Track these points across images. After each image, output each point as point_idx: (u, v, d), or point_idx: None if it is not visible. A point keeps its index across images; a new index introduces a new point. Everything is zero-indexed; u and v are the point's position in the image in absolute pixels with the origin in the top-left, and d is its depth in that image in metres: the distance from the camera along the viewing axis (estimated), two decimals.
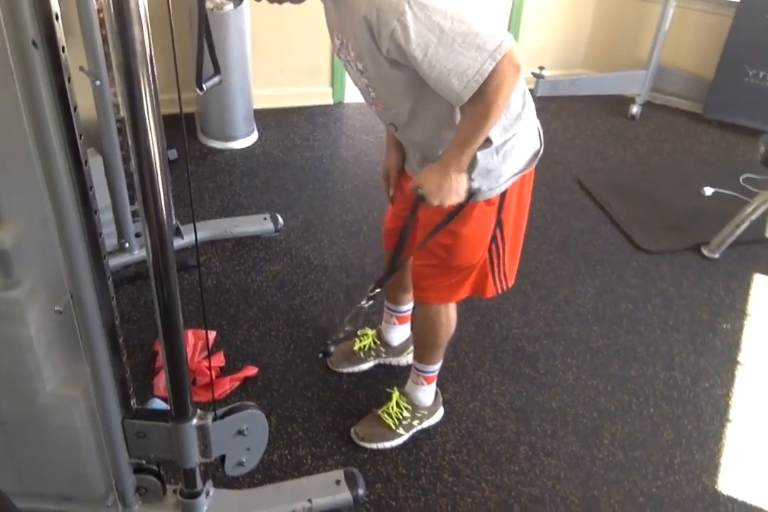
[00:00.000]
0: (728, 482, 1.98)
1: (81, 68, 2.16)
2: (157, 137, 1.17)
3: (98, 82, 2.17)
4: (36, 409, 1.49)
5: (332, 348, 1.67)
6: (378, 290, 1.63)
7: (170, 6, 1.13)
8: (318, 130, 3.76)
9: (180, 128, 1.32)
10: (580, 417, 2.15)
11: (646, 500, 1.91)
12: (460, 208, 1.58)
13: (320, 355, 1.62)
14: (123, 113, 1.16)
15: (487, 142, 1.50)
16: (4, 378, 1.44)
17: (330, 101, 4.07)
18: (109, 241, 2.52)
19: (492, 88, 1.32)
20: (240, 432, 1.54)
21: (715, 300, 2.68)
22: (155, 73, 1.39)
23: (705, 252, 2.92)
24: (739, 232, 2.83)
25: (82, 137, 1.16)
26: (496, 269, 1.75)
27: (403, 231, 1.65)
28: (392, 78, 1.42)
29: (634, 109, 4.08)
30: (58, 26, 1.05)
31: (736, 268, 2.87)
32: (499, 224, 1.66)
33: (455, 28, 1.26)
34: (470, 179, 1.55)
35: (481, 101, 1.34)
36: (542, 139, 1.64)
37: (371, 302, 1.62)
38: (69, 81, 1.10)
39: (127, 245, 2.59)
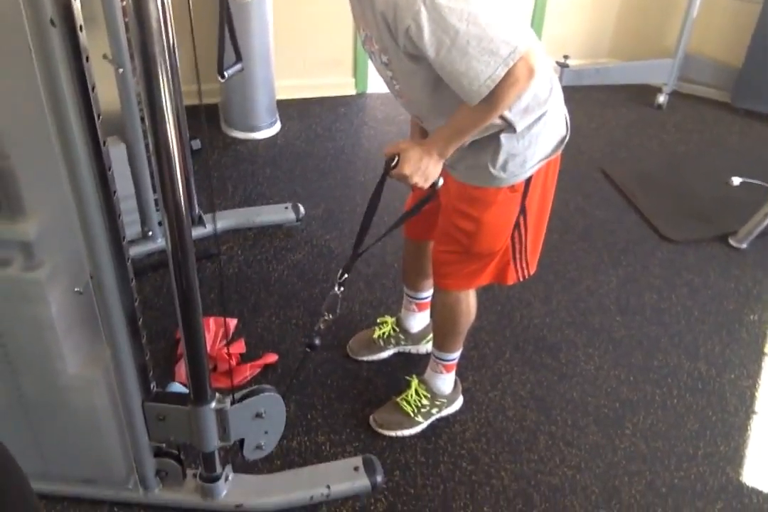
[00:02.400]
0: (753, 474, 1.94)
1: (104, 56, 2.18)
2: (174, 123, 1.17)
3: (121, 70, 2.19)
4: (58, 390, 1.50)
5: (317, 341, 1.58)
6: (346, 276, 1.59)
7: None
8: (340, 121, 3.75)
9: (205, 119, 1.32)
10: (601, 407, 2.12)
11: (669, 491, 1.88)
12: (428, 198, 1.58)
13: (307, 349, 1.56)
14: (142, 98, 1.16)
15: (511, 128, 1.48)
16: (27, 358, 1.46)
17: (353, 92, 4.06)
18: (133, 229, 2.54)
19: (501, 91, 1.31)
20: (258, 415, 1.55)
21: (741, 291, 2.64)
22: (176, 60, 1.38)
23: (732, 242, 2.87)
24: (767, 221, 2.78)
25: (101, 117, 1.17)
26: (518, 256, 1.74)
27: (368, 209, 1.56)
28: (413, 71, 1.42)
29: (661, 99, 4.02)
30: (76, 5, 1.06)
31: (763, 259, 2.81)
32: (523, 211, 1.65)
33: (470, 31, 1.25)
34: (494, 165, 1.53)
35: (488, 100, 1.33)
36: (569, 125, 1.62)
37: (342, 289, 1.59)
38: (87, 60, 1.11)
39: (150, 233, 2.61)
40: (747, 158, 3.55)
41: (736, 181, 3.27)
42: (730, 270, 2.75)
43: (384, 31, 1.35)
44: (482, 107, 1.36)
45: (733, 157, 3.58)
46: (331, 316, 1.57)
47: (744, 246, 2.85)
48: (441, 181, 1.54)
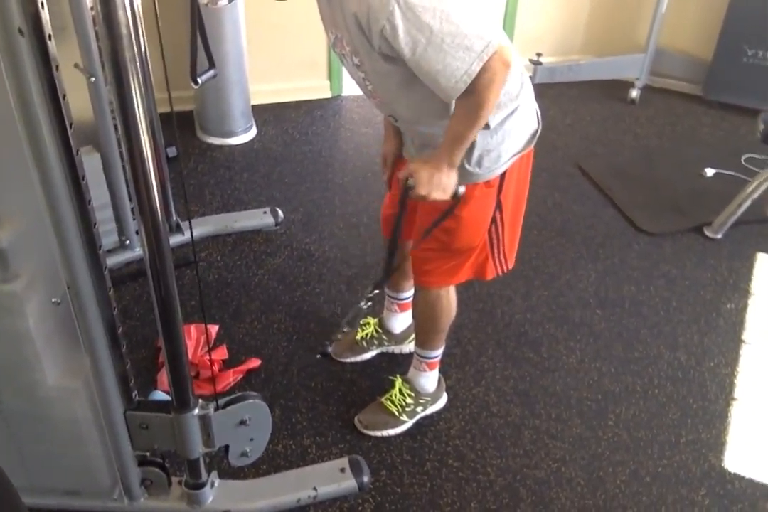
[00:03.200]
0: (735, 460, 1.97)
1: (76, 65, 2.17)
2: (148, 131, 1.17)
3: (93, 79, 2.18)
4: (38, 402, 1.49)
5: (330, 349, 1.60)
6: (377, 291, 1.61)
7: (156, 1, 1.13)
8: (316, 124, 3.76)
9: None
10: (584, 399, 2.14)
11: (653, 479, 1.91)
12: (452, 208, 1.58)
13: (318, 356, 1.58)
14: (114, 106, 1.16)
15: (485, 124, 1.50)
16: (5, 370, 1.45)
17: (328, 95, 4.06)
18: (110, 238, 2.52)
19: (482, 86, 1.33)
20: (242, 423, 1.55)
21: (718, 280, 2.67)
22: (148, 67, 1.37)
23: (707, 232, 2.91)
24: (741, 211, 2.82)
25: (73, 126, 1.16)
26: (496, 250, 1.76)
27: (394, 232, 1.62)
28: (387, 72, 1.43)
29: (634, 93, 4.06)
30: (44, 14, 1.06)
31: (738, 248, 2.85)
32: (499, 206, 1.67)
33: (444, 28, 1.26)
34: (468, 162, 1.55)
35: (472, 98, 1.35)
36: (540, 119, 1.64)
37: (370, 304, 1.60)
38: (57, 69, 1.11)
39: (128, 242, 2.59)
40: (719, 149, 3.60)
41: (710, 172, 3.31)
42: (705, 260, 2.78)
43: (356, 33, 1.36)
44: (471, 108, 1.37)
45: (705, 149, 3.62)
46: (350, 328, 1.57)
47: (719, 236, 2.89)
48: (462, 189, 1.53)
